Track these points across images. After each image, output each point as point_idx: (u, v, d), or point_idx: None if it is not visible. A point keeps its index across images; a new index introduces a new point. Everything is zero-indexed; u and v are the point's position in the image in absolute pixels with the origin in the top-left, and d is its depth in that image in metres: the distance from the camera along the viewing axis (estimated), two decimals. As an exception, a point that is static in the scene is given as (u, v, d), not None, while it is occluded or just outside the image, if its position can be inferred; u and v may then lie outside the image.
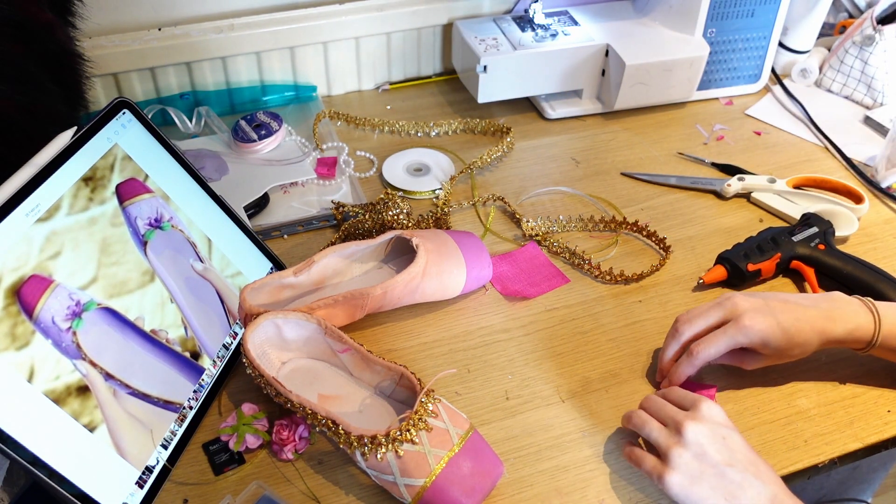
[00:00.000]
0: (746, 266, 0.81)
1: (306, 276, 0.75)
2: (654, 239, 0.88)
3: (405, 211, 0.86)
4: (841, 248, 0.86)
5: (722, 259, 0.83)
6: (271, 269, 0.81)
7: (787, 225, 0.88)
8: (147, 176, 0.72)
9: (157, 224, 0.71)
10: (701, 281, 0.83)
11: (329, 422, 0.61)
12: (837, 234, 0.86)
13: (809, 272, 0.82)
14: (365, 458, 0.61)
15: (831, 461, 0.67)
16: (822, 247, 0.83)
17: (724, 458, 0.59)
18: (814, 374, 0.74)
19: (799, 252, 0.82)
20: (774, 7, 1.07)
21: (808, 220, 0.86)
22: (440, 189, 0.95)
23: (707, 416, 0.61)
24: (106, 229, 0.67)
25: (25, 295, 0.59)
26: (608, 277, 0.84)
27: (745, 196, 0.96)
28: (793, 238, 0.83)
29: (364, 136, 1.06)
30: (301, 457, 0.67)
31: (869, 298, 0.69)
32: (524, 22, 1.07)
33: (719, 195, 0.96)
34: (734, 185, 0.95)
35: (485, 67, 1.01)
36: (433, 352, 0.76)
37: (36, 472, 0.56)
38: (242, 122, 0.98)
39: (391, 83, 1.16)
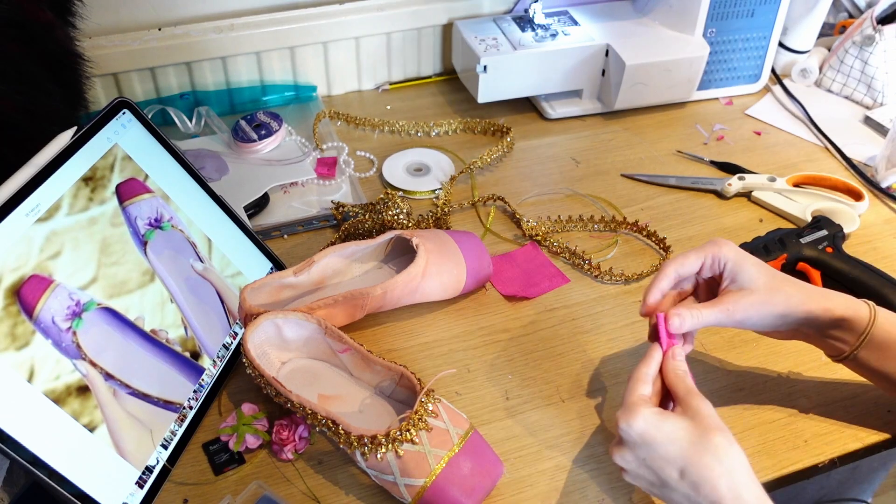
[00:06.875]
0: None
1: (306, 276, 0.75)
2: (654, 239, 0.88)
3: (405, 211, 0.86)
4: (843, 248, 0.86)
5: None
6: (271, 269, 0.81)
7: (795, 226, 0.88)
8: (147, 176, 0.72)
9: (157, 224, 0.71)
10: None
11: (329, 422, 0.61)
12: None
13: (815, 275, 0.81)
14: (365, 458, 0.61)
15: (831, 461, 0.67)
16: (829, 250, 0.82)
17: (656, 479, 0.57)
18: (814, 374, 0.74)
19: (806, 254, 0.82)
20: (774, 7, 1.07)
21: (818, 222, 0.85)
22: (440, 189, 0.95)
23: (628, 440, 0.58)
24: (106, 229, 0.67)
25: (25, 295, 0.59)
26: (608, 277, 0.84)
27: (746, 195, 0.96)
28: (801, 240, 0.82)
29: (364, 136, 1.06)
30: (301, 457, 0.67)
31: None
32: (524, 22, 1.07)
33: (720, 195, 0.96)
34: (735, 184, 0.95)
35: (485, 67, 1.01)
36: (433, 352, 0.76)
37: (36, 472, 0.56)
38: (242, 122, 0.98)
39: (391, 83, 1.16)
